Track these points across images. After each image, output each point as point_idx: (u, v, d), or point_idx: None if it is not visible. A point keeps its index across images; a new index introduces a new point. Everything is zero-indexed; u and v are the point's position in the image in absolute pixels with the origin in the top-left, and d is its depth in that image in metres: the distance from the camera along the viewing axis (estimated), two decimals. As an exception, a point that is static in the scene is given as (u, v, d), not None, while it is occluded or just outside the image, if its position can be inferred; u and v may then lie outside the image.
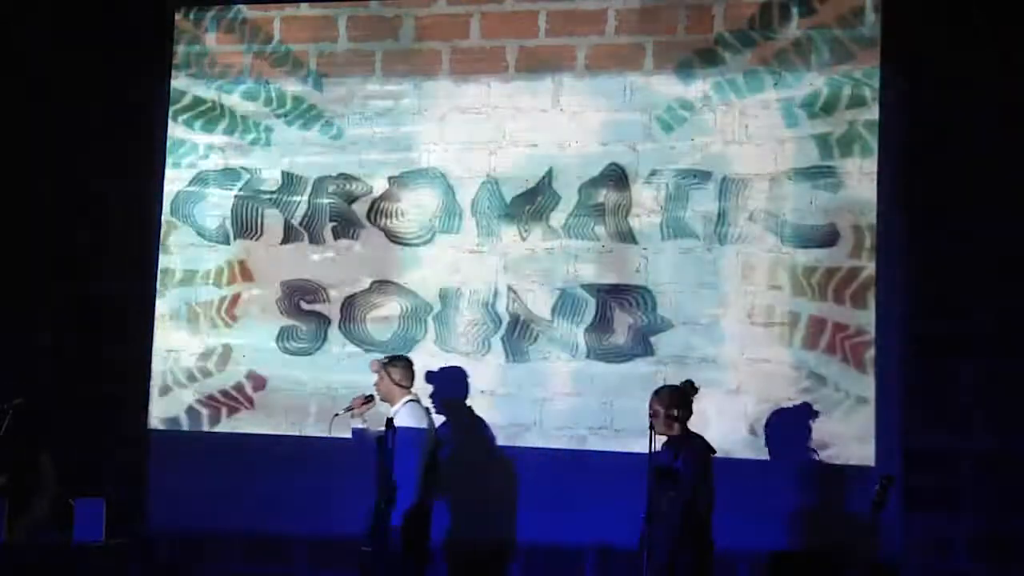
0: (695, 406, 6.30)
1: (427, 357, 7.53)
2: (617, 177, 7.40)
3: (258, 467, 7.55)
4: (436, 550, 6.77)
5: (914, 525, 6.83)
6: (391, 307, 7.65)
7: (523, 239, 7.50)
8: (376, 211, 7.73)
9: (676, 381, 6.44)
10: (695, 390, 6.32)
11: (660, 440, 6.17)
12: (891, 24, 7.09)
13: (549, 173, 7.49)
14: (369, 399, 6.72)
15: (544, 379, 7.39)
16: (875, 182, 7.05)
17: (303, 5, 7.96)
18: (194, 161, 8.02)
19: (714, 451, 6.25)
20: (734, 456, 6.96)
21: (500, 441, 7.40)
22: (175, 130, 8.05)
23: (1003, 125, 6.88)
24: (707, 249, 7.26)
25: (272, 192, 7.89)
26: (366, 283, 7.70)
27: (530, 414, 7.38)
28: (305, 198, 7.83)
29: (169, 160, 8.04)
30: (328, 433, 6.88)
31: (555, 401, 7.36)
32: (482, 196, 7.58)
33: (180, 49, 8.09)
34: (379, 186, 7.74)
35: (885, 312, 6.98)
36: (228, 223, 7.93)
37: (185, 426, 7.85)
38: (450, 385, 7.42)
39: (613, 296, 7.35)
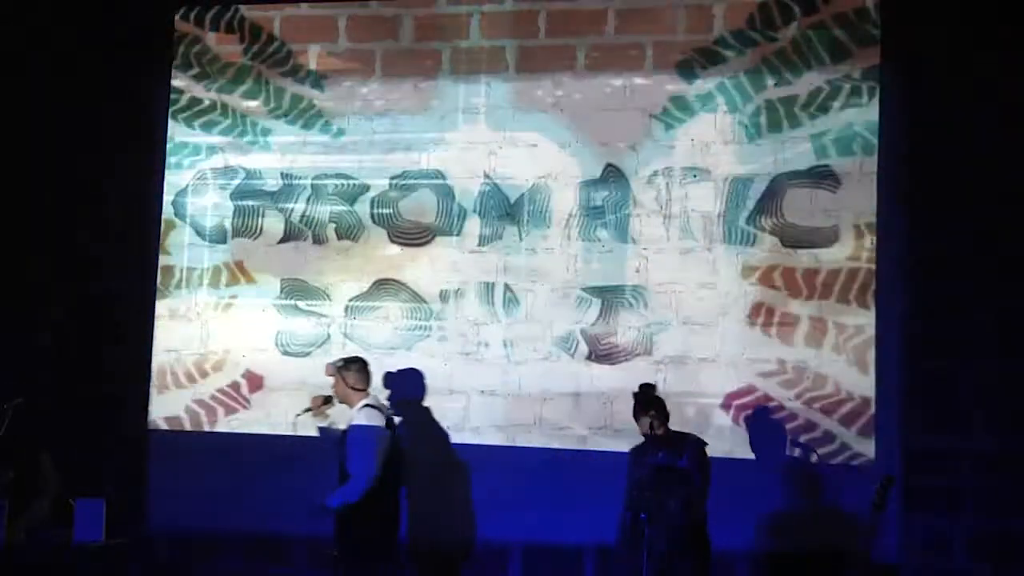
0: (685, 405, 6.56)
1: (427, 357, 7.53)
2: (617, 177, 7.40)
3: (258, 467, 7.55)
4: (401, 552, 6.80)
5: (914, 525, 6.83)
6: (391, 307, 7.65)
7: (523, 239, 7.50)
8: (376, 211, 7.73)
9: (676, 381, 6.52)
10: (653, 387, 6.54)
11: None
12: (891, 24, 7.09)
13: (549, 173, 7.49)
14: (328, 400, 6.75)
15: (544, 379, 7.38)
16: (875, 182, 7.05)
17: (303, 5, 7.96)
18: (194, 161, 8.02)
19: (706, 443, 6.36)
20: (734, 456, 6.97)
21: (500, 441, 7.39)
22: (175, 130, 8.05)
23: (1003, 125, 6.88)
24: (707, 249, 7.25)
25: (272, 192, 7.89)
26: (366, 283, 7.70)
27: (530, 414, 7.38)
28: (305, 198, 7.83)
29: (169, 160, 8.04)
30: (294, 432, 6.98)
31: (555, 401, 7.36)
32: (482, 196, 7.58)
33: (180, 49, 8.09)
34: (379, 186, 7.74)
35: (885, 312, 6.98)
36: (228, 223, 7.93)
37: (185, 426, 7.85)
38: (407, 387, 7.42)
39: (613, 296, 7.35)
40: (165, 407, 7.90)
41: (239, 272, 7.89)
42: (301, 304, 7.77)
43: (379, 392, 7.04)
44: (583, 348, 7.35)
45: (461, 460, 7.36)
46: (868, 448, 6.92)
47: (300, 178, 7.85)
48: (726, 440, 7.02)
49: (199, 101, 8.05)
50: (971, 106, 6.91)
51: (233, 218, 7.93)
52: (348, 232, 7.76)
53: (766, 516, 6.93)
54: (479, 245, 7.56)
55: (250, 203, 7.92)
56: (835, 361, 7.02)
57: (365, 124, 7.79)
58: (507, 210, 7.54)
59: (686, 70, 7.36)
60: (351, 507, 6.31)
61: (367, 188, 7.75)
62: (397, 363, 7.55)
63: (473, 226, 7.58)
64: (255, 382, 7.77)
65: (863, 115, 7.11)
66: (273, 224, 7.87)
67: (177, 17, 8.11)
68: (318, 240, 7.79)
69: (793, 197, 7.17)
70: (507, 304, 7.49)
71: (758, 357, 7.11)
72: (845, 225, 7.08)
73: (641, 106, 7.40)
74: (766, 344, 7.11)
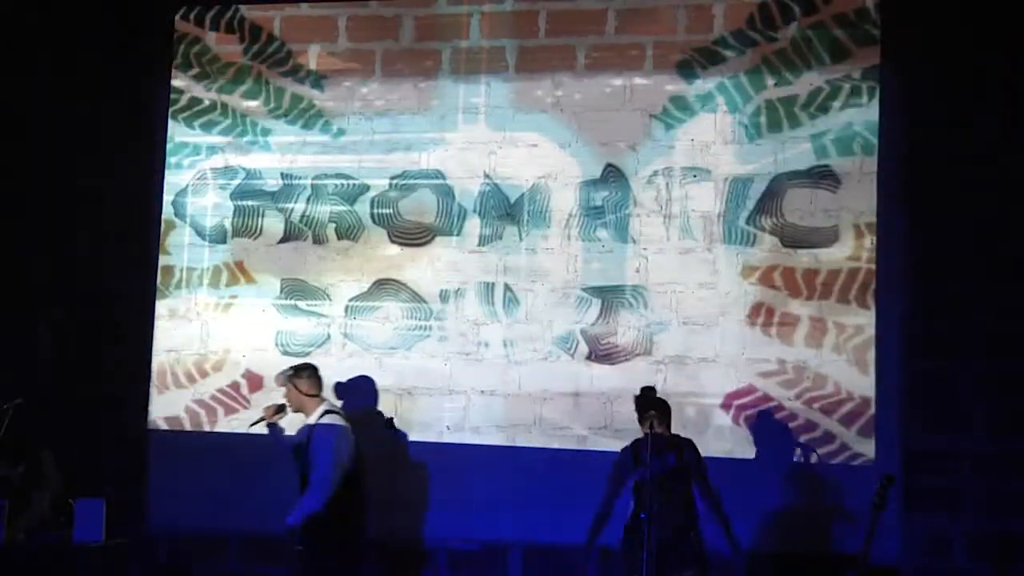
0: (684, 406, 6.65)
1: (427, 357, 7.54)
2: (617, 177, 7.40)
3: (258, 467, 7.54)
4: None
5: (914, 525, 6.84)
6: (391, 307, 7.65)
7: (523, 239, 7.50)
8: (376, 211, 7.73)
9: (676, 381, 6.55)
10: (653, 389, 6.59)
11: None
12: (891, 24, 7.09)
13: (549, 173, 7.49)
14: (281, 408, 6.76)
15: (544, 379, 7.39)
16: (875, 182, 7.05)
17: (303, 5, 7.96)
18: (194, 161, 8.02)
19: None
20: (734, 456, 6.98)
21: (500, 441, 7.40)
22: (175, 130, 8.05)
23: (1003, 125, 6.88)
24: (707, 249, 7.26)
25: (272, 192, 7.89)
26: (366, 283, 7.70)
27: (530, 414, 7.39)
28: (305, 198, 7.83)
29: (169, 160, 8.04)
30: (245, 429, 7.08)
31: (555, 401, 7.36)
32: (482, 196, 7.58)
33: (180, 49, 8.09)
34: (379, 186, 7.74)
35: (885, 312, 6.98)
36: (228, 223, 7.93)
37: (185, 426, 7.85)
38: (358, 393, 7.44)
39: (613, 296, 7.35)
40: (165, 407, 7.90)
41: (239, 272, 7.89)
42: (301, 304, 7.77)
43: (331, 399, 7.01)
44: (583, 348, 7.35)
45: (419, 460, 7.33)
46: (868, 448, 6.92)
47: (300, 178, 7.85)
48: (726, 440, 7.03)
49: (199, 101, 8.05)
50: (971, 106, 6.91)
51: (233, 218, 7.93)
52: (348, 232, 7.76)
53: (766, 516, 6.92)
54: (479, 245, 7.56)
55: (250, 203, 7.92)
56: (835, 361, 7.02)
57: (365, 124, 7.79)
58: (507, 210, 7.54)
59: (686, 70, 7.36)
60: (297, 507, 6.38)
61: (367, 188, 7.75)
62: (397, 363, 7.57)
63: (473, 226, 7.58)
64: (255, 382, 7.76)
65: (863, 115, 7.11)
66: (273, 224, 7.87)
67: (177, 17, 8.12)
68: (318, 240, 7.79)
69: (793, 197, 7.17)
70: (507, 304, 7.49)
71: (758, 357, 7.12)
72: (845, 225, 7.09)
73: (641, 106, 7.40)
74: (766, 344, 7.11)
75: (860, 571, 5.99)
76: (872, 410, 6.94)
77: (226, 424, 7.77)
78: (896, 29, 7.07)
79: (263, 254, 7.86)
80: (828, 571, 6.52)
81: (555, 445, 7.33)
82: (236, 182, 7.95)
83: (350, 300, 7.70)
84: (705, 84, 7.33)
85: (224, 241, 7.93)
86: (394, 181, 7.72)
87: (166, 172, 8.04)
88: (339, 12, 7.88)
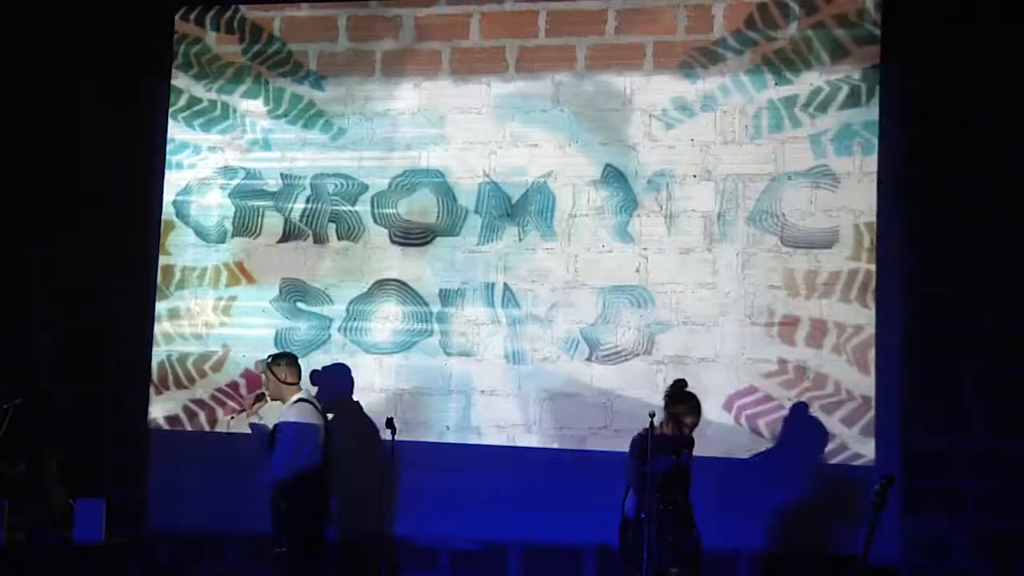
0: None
1: (427, 357, 7.54)
2: (617, 177, 7.40)
3: (258, 467, 7.53)
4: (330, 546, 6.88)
5: (914, 525, 6.84)
6: (391, 307, 7.65)
7: (523, 239, 7.50)
8: (376, 211, 7.73)
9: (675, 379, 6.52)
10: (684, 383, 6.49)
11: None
12: (891, 23, 7.09)
13: (549, 173, 7.49)
14: (260, 397, 6.83)
15: (544, 379, 7.39)
16: (875, 182, 7.06)
17: (303, 5, 7.96)
18: (194, 161, 8.02)
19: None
20: (734, 456, 6.98)
21: (500, 441, 7.40)
22: (175, 130, 8.05)
23: (1003, 124, 6.88)
24: (707, 249, 7.26)
25: (272, 192, 7.89)
26: (366, 283, 7.70)
27: (530, 414, 7.39)
28: (305, 198, 7.83)
29: (169, 160, 8.04)
30: (227, 430, 7.10)
31: (555, 401, 7.36)
32: (482, 196, 7.58)
33: (180, 49, 8.09)
34: (379, 186, 7.74)
35: (885, 312, 6.98)
36: (228, 223, 7.93)
37: (185, 426, 7.85)
38: (335, 382, 7.46)
39: (613, 296, 7.35)
40: (165, 407, 7.90)
41: (239, 272, 7.89)
42: (301, 304, 7.77)
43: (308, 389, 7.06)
44: (583, 348, 7.35)
45: (419, 460, 7.30)
46: (868, 448, 6.92)
47: (300, 178, 7.85)
48: (726, 440, 7.02)
49: (199, 101, 8.05)
50: (971, 106, 6.91)
51: (233, 218, 7.93)
52: (348, 232, 7.76)
53: (766, 516, 6.92)
54: (479, 245, 7.56)
55: (250, 203, 7.92)
56: (835, 361, 7.02)
57: (365, 124, 7.79)
58: (507, 210, 7.54)
59: (686, 70, 7.36)
60: (287, 500, 6.45)
61: (367, 188, 7.75)
62: (397, 363, 7.57)
63: (473, 226, 7.58)
64: (255, 382, 7.74)
65: (863, 115, 7.11)
66: (273, 224, 7.87)
67: (177, 17, 8.11)
68: (318, 240, 7.79)
69: (793, 197, 7.17)
70: (507, 304, 7.49)
71: (758, 357, 7.12)
72: (845, 225, 7.09)
73: (641, 106, 7.40)
74: (766, 344, 7.11)
75: (860, 571, 5.99)
76: (872, 410, 6.94)
77: (226, 424, 7.75)
78: (896, 29, 7.07)
79: (263, 254, 7.86)
80: (828, 571, 6.53)
81: (555, 445, 7.33)
82: (236, 182, 7.95)
83: (350, 300, 7.70)
84: (705, 84, 7.33)
85: (224, 241, 7.93)
86: (394, 181, 7.72)
87: (166, 172, 8.04)
88: (339, 12, 7.88)
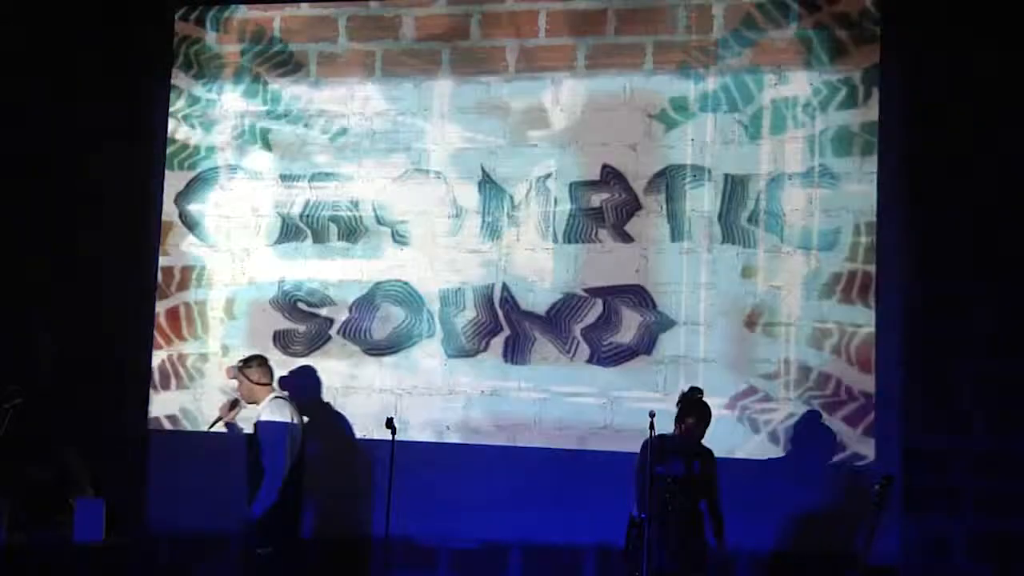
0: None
1: (427, 357, 7.54)
2: (617, 177, 7.40)
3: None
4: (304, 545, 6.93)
5: (914, 525, 6.83)
6: (391, 307, 7.65)
7: (523, 239, 7.50)
8: (376, 211, 7.73)
9: (676, 381, 6.55)
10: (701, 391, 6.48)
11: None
12: (891, 24, 7.09)
13: (549, 173, 7.49)
14: (235, 403, 6.88)
15: (544, 379, 7.39)
16: (875, 182, 7.06)
17: (303, 5, 7.96)
18: (194, 161, 8.02)
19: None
20: (734, 456, 6.97)
21: (500, 441, 7.40)
22: (175, 130, 8.05)
23: (1003, 124, 6.88)
24: (707, 249, 7.26)
25: (272, 192, 7.88)
26: (366, 283, 7.70)
27: (530, 414, 7.39)
28: (305, 198, 7.83)
29: (169, 160, 8.04)
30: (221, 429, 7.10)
31: (555, 401, 7.36)
32: (482, 196, 7.58)
33: (180, 49, 8.09)
34: (379, 186, 7.74)
35: (885, 312, 6.98)
36: (228, 223, 7.93)
37: (185, 426, 7.85)
38: (302, 385, 7.47)
39: (613, 296, 7.35)
40: (165, 407, 7.90)
41: (239, 272, 7.89)
42: (301, 304, 7.77)
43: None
44: (583, 348, 7.35)
45: (419, 460, 7.29)
46: (868, 448, 6.92)
47: (300, 178, 7.85)
48: (726, 440, 7.01)
49: (199, 101, 8.05)
50: (971, 106, 6.91)
51: (233, 218, 7.92)
52: (348, 232, 7.76)
53: (766, 516, 6.92)
54: (479, 245, 7.56)
55: (250, 203, 7.92)
56: (836, 361, 7.02)
57: (365, 124, 7.79)
58: (507, 210, 7.54)
59: (686, 70, 7.36)
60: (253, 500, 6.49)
61: (367, 188, 7.75)
62: (397, 363, 7.57)
63: (473, 226, 7.58)
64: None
65: (863, 115, 7.11)
66: (273, 224, 7.87)
67: (177, 17, 8.11)
68: (318, 240, 7.79)
69: (793, 197, 7.17)
70: (507, 304, 7.49)
71: (758, 357, 7.12)
72: (845, 225, 7.08)
73: (641, 106, 7.40)
74: (766, 344, 7.11)
75: (860, 571, 5.99)
76: (872, 410, 6.94)
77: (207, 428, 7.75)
78: (896, 29, 7.07)
79: (263, 254, 7.86)
80: (828, 571, 6.53)
81: (555, 445, 7.33)
82: (236, 182, 7.95)
83: (350, 300, 7.70)
84: (705, 84, 7.33)
85: (224, 241, 7.92)
86: (394, 181, 7.71)
87: (166, 172, 8.04)
88: (339, 12, 7.88)
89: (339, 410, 7.61)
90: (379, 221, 7.72)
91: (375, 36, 7.83)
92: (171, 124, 8.05)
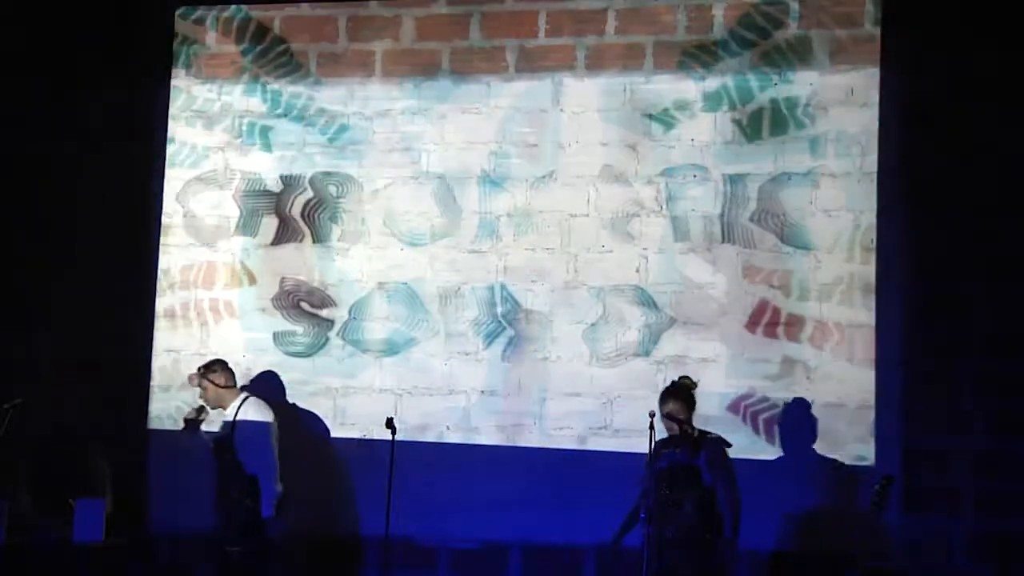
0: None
1: (427, 357, 7.54)
2: (617, 177, 7.40)
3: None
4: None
5: (914, 525, 6.83)
6: (391, 307, 7.65)
7: (523, 239, 7.50)
8: (376, 211, 7.73)
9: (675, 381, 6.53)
10: (695, 384, 6.44)
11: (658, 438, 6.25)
12: (891, 24, 7.09)
13: (549, 173, 7.49)
14: (201, 409, 6.93)
15: (544, 379, 7.39)
16: (875, 182, 7.05)
17: (303, 5, 7.96)
18: (194, 161, 8.02)
19: (729, 444, 6.38)
20: (734, 456, 6.96)
21: (500, 441, 7.40)
22: (175, 130, 8.05)
23: (1003, 124, 6.88)
24: (707, 249, 7.26)
25: (272, 192, 7.89)
26: (366, 283, 7.70)
27: (530, 414, 7.38)
28: (305, 198, 7.83)
29: (169, 160, 8.03)
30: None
31: (555, 401, 7.36)
32: (482, 196, 7.57)
33: (180, 49, 8.09)
34: (379, 186, 7.73)
35: (885, 312, 6.98)
36: (228, 223, 7.93)
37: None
38: (267, 389, 7.47)
39: (613, 296, 7.34)
40: (165, 407, 7.90)
41: (239, 272, 7.89)
42: (304, 304, 7.77)
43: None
44: (583, 348, 7.35)
45: (419, 460, 7.28)
46: (868, 448, 6.92)
47: (300, 178, 7.85)
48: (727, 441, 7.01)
49: (199, 101, 8.05)
50: (971, 106, 6.90)
51: (233, 218, 7.93)
52: (348, 232, 7.76)
53: (766, 516, 6.92)
54: (479, 245, 7.56)
55: (250, 203, 7.92)
56: (835, 361, 7.02)
57: (365, 124, 7.79)
58: (507, 210, 7.54)
59: (686, 70, 7.36)
60: (251, 498, 6.58)
61: (367, 188, 7.75)
62: (397, 363, 7.57)
63: (473, 226, 7.58)
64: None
65: (863, 115, 7.11)
66: (273, 224, 7.87)
67: (177, 17, 8.11)
68: (318, 240, 7.79)
69: (793, 197, 7.17)
70: (506, 304, 7.49)
71: (758, 357, 7.11)
72: (845, 225, 7.08)
73: (641, 106, 7.40)
74: (766, 344, 7.11)
75: (860, 571, 5.99)
76: (872, 410, 6.94)
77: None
78: (896, 29, 7.07)
79: (263, 254, 7.86)
80: (828, 571, 6.52)
81: (555, 445, 7.33)
82: (236, 182, 7.95)
83: (350, 301, 7.70)
84: (705, 84, 7.33)
85: (224, 241, 7.93)
86: (394, 181, 7.71)
87: (166, 172, 8.03)
88: (339, 12, 7.88)
89: (338, 410, 7.60)
90: (379, 221, 7.72)
91: (375, 36, 7.83)
92: (171, 124, 8.04)
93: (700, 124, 7.32)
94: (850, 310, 7.04)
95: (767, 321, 7.13)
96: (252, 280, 7.86)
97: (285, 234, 7.84)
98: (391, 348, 7.60)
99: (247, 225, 7.90)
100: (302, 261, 7.80)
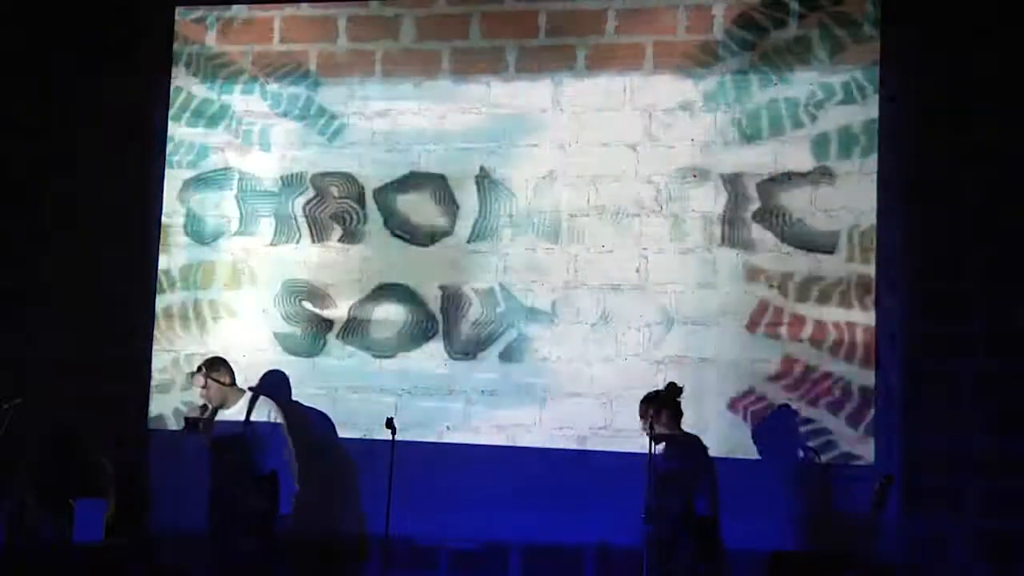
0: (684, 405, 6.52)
1: (428, 358, 7.54)
2: (617, 177, 7.40)
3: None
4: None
5: (914, 525, 6.83)
6: (391, 308, 7.65)
7: (523, 239, 7.50)
8: (376, 212, 7.73)
9: (676, 381, 6.53)
10: (677, 391, 6.44)
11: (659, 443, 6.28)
12: (891, 23, 7.09)
13: (549, 173, 7.49)
14: (203, 408, 6.94)
15: (544, 379, 7.38)
16: (875, 182, 7.05)
17: (303, 5, 7.96)
18: (194, 161, 8.02)
19: (705, 448, 6.39)
20: (735, 456, 6.97)
21: (500, 441, 7.40)
22: (175, 130, 8.05)
23: (1003, 124, 6.88)
24: (707, 249, 7.26)
25: (272, 192, 7.89)
26: (367, 284, 7.70)
27: (530, 414, 7.38)
28: (305, 198, 7.83)
29: (169, 160, 8.03)
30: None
31: (555, 401, 7.36)
32: (482, 196, 7.57)
33: (180, 49, 8.09)
34: (379, 186, 7.73)
35: (885, 312, 6.98)
36: (228, 223, 7.93)
37: (185, 426, 7.85)
38: (275, 387, 7.48)
39: (613, 296, 7.34)
40: (165, 407, 7.90)
41: (239, 272, 7.89)
42: (306, 304, 7.77)
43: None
44: (584, 348, 7.35)
45: (419, 460, 7.27)
46: (868, 448, 6.92)
47: (300, 178, 7.85)
48: (726, 441, 7.02)
49: (199, 101, 8.05)
50: (971, 106, 6.91)
51: (233, 218, 7.93)
52: (348, 232, 7.76)
53: (766, 516, 6.92)
54: (479, 245, 7.56)
55: (250, 203, 7.92)
56: (835, 362, 7.02)
57: (365, 124, 7.79)
58: (507, 210, 7.54)
59: (686, 70, 7.36)
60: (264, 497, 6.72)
61: (367, 188, 7.75)
62: (397, 363, 7.56)
63: (473, 226, 7.58)
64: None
65: (863, 115, 7.11)
66: (273, 224, 7.87)
67: (177, 17, 8.11)
68: (318, 240, 7.79)
69: (793, 197, 7.17)
70: (507, 304, 7.49)
71: (758, 357, 7.11)
72: (845, 225, 7.08)
73: (641, 106, 7.40)
74: (766, 344, 7.11)
75: (860, 571, 5.99)
76: (872, 410, 6.94)
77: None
78: (896, 29, 7.07)
79: (263, 254, 7.86)
80: (828, 571, 6.52)
81: (555, 445, 7.33)
82: (236, 182, 7.95)
83: (350, 300, 7.70)
84: (705, 84, 7.33)
85: (224, 241, 7.93)
86: (394, 182, 7.71)
87: (166, 172, 8.03)
88: (339, 12, 7.88)
89: (338, 411, 7.60)
90: (379, 221, 7.72)
91: (375, 36, 7.82)
92: (171, 124, 8.04)
93: (700, 124, 7.32)
94: (850, 310, 7.04)
95: (767, 321, 7.13)
96: (252, 280, 7.86)
97: (285, 234, 7.84)
98: (391, 348, 7.60)
99: (247, 225, 7.90)
100: (303, 262, 7.80)
